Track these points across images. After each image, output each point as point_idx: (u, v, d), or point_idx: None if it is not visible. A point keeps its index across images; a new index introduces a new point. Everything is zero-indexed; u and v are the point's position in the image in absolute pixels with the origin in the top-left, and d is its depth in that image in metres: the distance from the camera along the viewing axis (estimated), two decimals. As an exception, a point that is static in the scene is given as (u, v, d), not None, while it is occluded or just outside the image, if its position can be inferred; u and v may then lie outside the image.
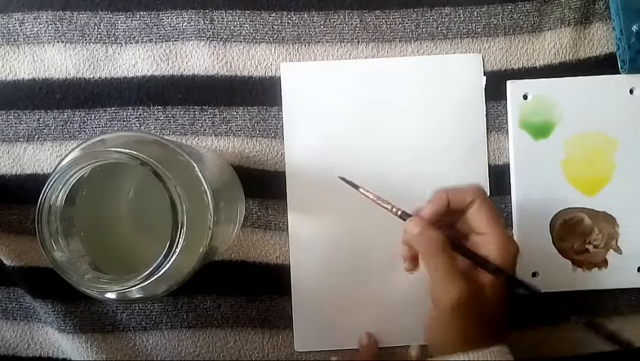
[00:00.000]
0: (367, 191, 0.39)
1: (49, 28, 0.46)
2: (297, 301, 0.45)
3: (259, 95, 0.46)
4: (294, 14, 0.46)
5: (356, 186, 0.39)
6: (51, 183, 0.30)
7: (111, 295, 0.32)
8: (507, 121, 0.46)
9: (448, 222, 0.38)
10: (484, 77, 0.46)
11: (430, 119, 0.46)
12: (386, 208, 0.38)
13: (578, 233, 0.45)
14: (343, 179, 0.40)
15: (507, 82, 0.46)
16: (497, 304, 0.36)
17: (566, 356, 0.45)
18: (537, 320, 0.46)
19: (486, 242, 0.37)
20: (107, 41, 0.46)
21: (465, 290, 0.35)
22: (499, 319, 0.37)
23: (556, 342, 0.45)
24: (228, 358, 0.45)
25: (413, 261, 0.39)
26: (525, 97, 0.46)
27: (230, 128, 0.45)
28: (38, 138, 0.45)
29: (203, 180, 0.32)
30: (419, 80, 0.46)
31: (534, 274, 0.45)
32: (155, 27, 0.46)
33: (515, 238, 0.45)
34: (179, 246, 0.30)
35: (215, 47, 0.45)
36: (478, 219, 0.37)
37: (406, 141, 0.46)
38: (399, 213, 0.38)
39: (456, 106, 0.46)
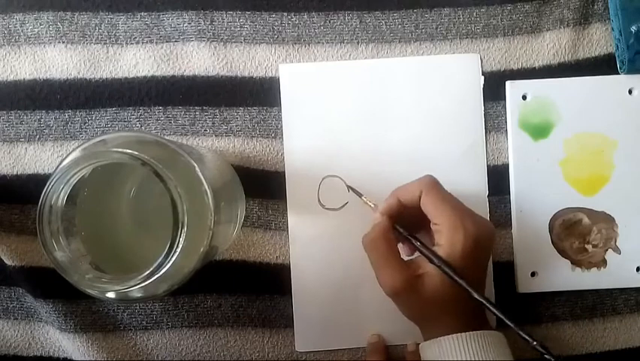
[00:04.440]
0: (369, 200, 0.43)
1: (50, 28, 0.46)
2: (298, 301, 0.45)
3: (259, 95, 0.46)
4: (294, 15, 0.46)
5: (359, 194, 0.43)
6: (52, 183, 0.30)
7: (112, 295, 0.32)
8: (506, 121, 0.46)
9: (417, 214, 0.40)
10: (482, 77, 0.46)
11: (428, 120, 0.46)
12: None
13: (576, 233, 0.46)
14: (350, 187, 0.44)
15: (506, 82, 0.46)
16: (441, 293, 0.37)
17: (565, 356, 0.45)
18: (536, 319, 0.46)
19: (437, 230, 0.38)
20: (107, 42, 0.46)
21: (398, 282, 0.37)
22: (453, 307, 0.38)
23: (555, 341, 0.45)
24: (229, 357, 0.45)
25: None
26: (524, 97, 0.46)
27: (230, 128, 0.46)
28: (39, 138, 0.46)
29: (203, 180, 0.32)
30: (417, 81, 0.46)
31: (533, 274, 0.45)
32: (156, 28, 0.46)
33: (514, 237, 0.46)
34: (180, 246, 0.30)
35: (215, 47, 0.46)
36: (427, 209, 0.38)
37: (404, 141, 0.46)
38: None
39: (454, 106, 0.46)
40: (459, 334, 0.36)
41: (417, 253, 0.39)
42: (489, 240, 0.39)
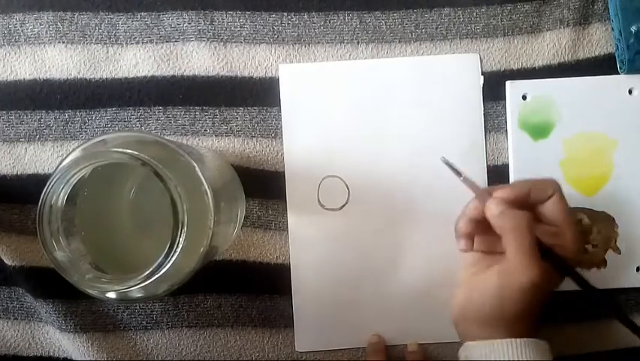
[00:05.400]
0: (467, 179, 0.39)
1: (50, 28, 0.46)
2: (298, 302, 0.45)
3: (259, 95, 0.46)
4: (294, 15, 0.46)
5: (459, 174, 0.39)
6: (52, 183, 0.30)
7: (112, 295, 0.32)
8: (506, 121, 0.46)
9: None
10: (482, 77, 0.46)
11: (428, 120, 0.46)
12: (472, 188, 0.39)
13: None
14: (447, 162, 0.39)
15: (506, 82, 0.46)
16: (549, 292, 0.36)
17: (565, 356, 0.45)
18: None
19: (557, 233, 0.37)
20: (107, 42, 0.46)
21: (542, 273, 0.35)
22: (538, 308, 0.37)
23: (555, 341, 0.45)
24: (229, 357, 0.45)
25: (470, 239, 0.39)
26: (524, 97, 0.46)
27: (230, 128, 0.46)
28: (39, 138, 0.46)
29: (203, 180, 0.32)
30: (417, 81, 0.46)
31: (533, 274, 0.45)
32: (156, 28, 0.46)
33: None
34: (180, 246, 0.30)
35: (215, 47, 0.46)
36: (555, 212, 0.37)
37: (404, 142, 0.46)
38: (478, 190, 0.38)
39: (454, 106, 0.46)
40: (514, 339, 0.36)
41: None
42: None
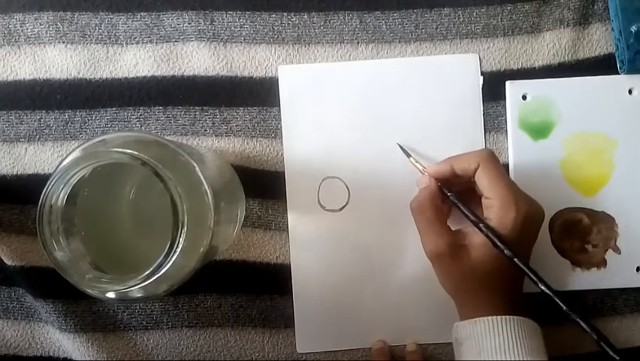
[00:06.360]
0: (417, 162, 0.43)
1: (50, 28, 0.46)
2: (299, 302, 0.45)
3: (259, 95, 0.46)
4: (294, 15, 0.46)
5: (408, 155, 0.44)
6: (52, 183, 0.30)
7: (112, 295, 0.32)
8: (506, 121, 0.46)
9: (464, 186, 0.40)
10: (482, 77, 0.46)
11: (428, 120, 0.46)
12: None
13: (577, 233, 0.46)
14: (400, 146, 0.45)
15: (506, 82, 0.46)
16: (483, 267, 0.37)
17: (564, 356, 0.45)
18: (536, 320, 0.46)
19: (489, 205, 0.38)
20: (107, 42, 0.46)
21: (441, 246, 0.38)
22: (493, 285, 0.38)
23: (556, 342, 0.45)
24: (229, 357, 0.45)
25: None
26: (524, 97, 0.46)
27: (230, 128, 0.46)
28: (39, 138, 0.46)
29: (203, 180, 0.32)
30: (416, 81, 0.46)
31: (533, 274, 0.45)
32: (156, 28, 0.46)
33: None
34: (180, 246, 0.30)
35: (215, 47, 0.46)
36: (481, 183, 0.38)
37: (404, 142, 0.46)
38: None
39: (454, 106, 0.46)
40: (495, 316, 0.36)
41: (463, 225, 0.40)
42: (538, 223, 0.39)
